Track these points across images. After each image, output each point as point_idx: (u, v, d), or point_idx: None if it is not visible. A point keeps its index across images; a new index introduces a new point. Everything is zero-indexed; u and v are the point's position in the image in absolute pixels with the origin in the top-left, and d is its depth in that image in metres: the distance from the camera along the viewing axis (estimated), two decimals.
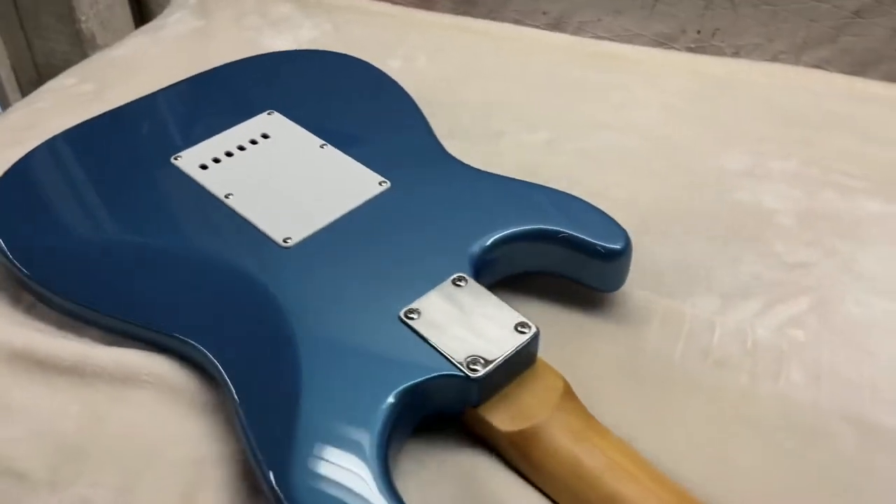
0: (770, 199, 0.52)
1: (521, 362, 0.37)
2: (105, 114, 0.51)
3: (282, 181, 0.46)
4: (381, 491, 0.31)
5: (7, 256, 0.42)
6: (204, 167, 0.47)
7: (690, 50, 0.68)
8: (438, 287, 0.39)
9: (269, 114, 0.50)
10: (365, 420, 0.33)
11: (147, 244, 0.43)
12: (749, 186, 0.53)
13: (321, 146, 0.48)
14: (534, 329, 0.37)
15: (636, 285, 0.45)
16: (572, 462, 0.35)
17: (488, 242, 0.41)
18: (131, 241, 0.43)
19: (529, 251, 0.43)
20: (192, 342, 0.38)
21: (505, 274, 0.43)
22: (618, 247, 0.42)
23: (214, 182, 0.46)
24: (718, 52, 0.67)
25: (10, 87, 0.90)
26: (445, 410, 0.37)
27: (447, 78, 0.64)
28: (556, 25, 0.70)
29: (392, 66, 0.61)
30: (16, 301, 0.45)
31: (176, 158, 0.47)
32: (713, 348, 0.42)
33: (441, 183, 0.46)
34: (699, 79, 0.64)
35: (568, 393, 0.37)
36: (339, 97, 0.54)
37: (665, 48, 0.68)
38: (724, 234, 0.49)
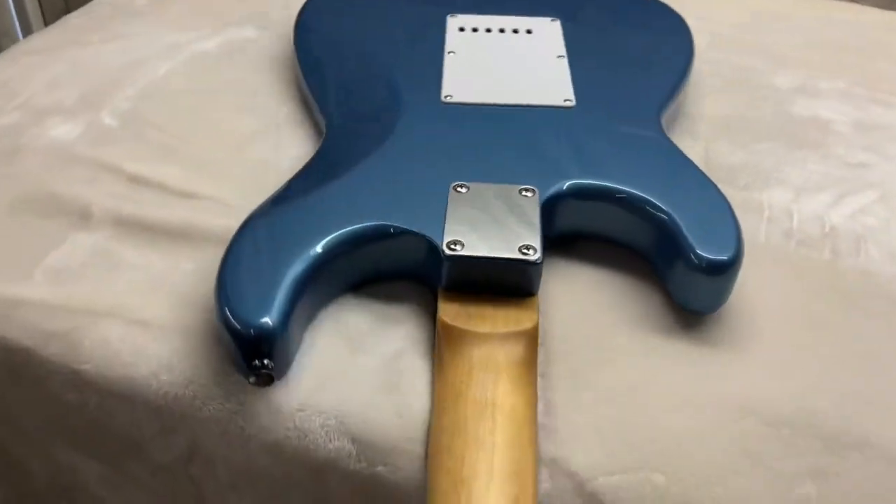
0: (825, 112, 0.55)
1: (507, 281, 0.36)
2: None
3: (498, 62, 0.50)
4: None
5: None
6: (462, 29, 0.53)
7: None
8: (506, 185, 0.40)
9: (552, 20, 0.54)
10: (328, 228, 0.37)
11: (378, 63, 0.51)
12: (803, 102, 0.56)
13: (558, 56, 0.50)
14: (532, 258, 0.36)
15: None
16: (459, 391, 0.33)
17: (566, 186, 0.40)
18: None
19: (619, 217, 0.40)
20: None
21: (581, 227, 0.42)
22: (723, 257, 0.36)
23: (453, 40, 0.52)
24: None
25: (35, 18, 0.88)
26: (420, 276, 0.39)
27: None
28: None
29: None
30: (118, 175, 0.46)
31: (452, 16, 0.55)
32: (794, 231, 0.45)
33: (613, 128, 0.44)
34: (744, 13, 0.67)
35: (526, 347, 0.35)
36: (624, 30, 0.55)
37: None
38: (788, 141, 0.52)
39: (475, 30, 0.53)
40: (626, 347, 0.38)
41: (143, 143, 0.50)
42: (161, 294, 0.40)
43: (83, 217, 0.44)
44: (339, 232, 0.37)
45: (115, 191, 0.46)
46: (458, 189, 0.40)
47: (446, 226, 0.37)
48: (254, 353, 0.33)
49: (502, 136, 0.44)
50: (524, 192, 0.40)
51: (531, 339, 0.36)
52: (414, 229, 0.38)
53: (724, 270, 0.37)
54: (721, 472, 0.34)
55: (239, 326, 0.33)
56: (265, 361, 0.33)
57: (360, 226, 0.38)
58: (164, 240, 0.43)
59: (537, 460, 0.33)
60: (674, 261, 0.38)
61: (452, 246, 0.36)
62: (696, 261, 0.36)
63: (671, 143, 0.44)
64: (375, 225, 0.38)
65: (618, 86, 0.48)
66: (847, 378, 0.37)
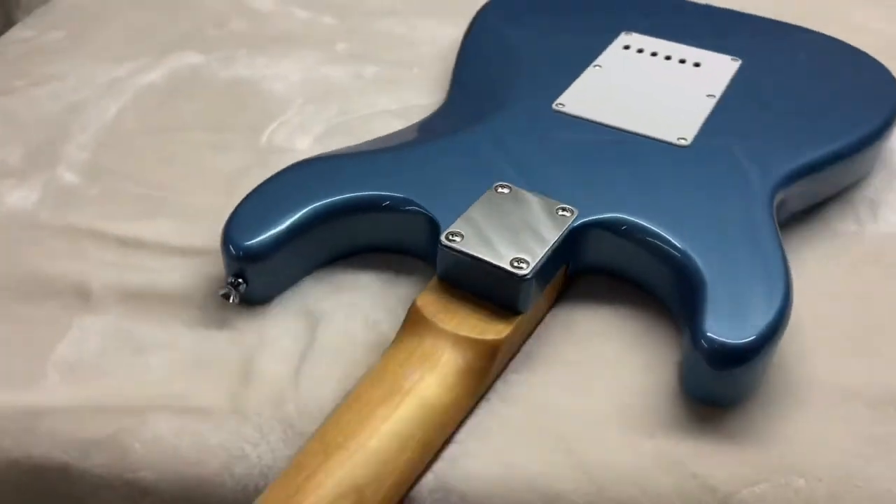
0: None
1: (492, 289, 0.36)
2: None
3: (639, 86, 0.48)
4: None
5: None
6: (626, 47, 0.52)
7: None
8: (548, 198, 0.39)
9: (732, 59, 0.50)
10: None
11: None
12: None
13: (708, 95, 0.47)
14: (520, 272, 0.35)
15: None
16: (385, 371, 0.34)
17: (604, 217, 0.38)
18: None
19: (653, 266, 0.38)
20: None
21: (613, 264, 0.40)
22: (735, 342, 0.32)
23: (609, 55, 0.51)
24: None
25: None
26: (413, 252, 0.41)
27: None
28: None
29: None
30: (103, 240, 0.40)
31: (626, 33, 0.54)
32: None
33: (705, 178, 0.41)
34: None
35: (478, 356, 0.34)
36: (811, 84, 0.49)
37: None
38: None
39: (640, 51, 0.52)
40: None
41: (119, 198, 0.44)
42: (203, 371, 0.35)
43: (81, 296, 0.38)
44: (354, 194, 0.39)
45: (107, 259, 0.40)
46: (500, 189, 0.39)
47: (459, 218, 0.37)
48: (233, 270, 0.37)
49: (587, 154, 0.42)
50: (561, 211, 0.38)
51: (488, 351, 0.34)
52: (427, 210, 0.38)
53: (731, 361, 0.32)
54: (854, 462, 0.33)
55: (227, 242, 0.37)
56: (238, 280, 0.37)
57: (376, 193, 0.39)
58: (183, 307, 0.38)
59: (422, 466, 0.32)
60: (686, 332, 0.34)
61: (451, 237, 0.36)
62: (701, 340, 0.32)
63: (764, 215, 0.38)
64: (392, 196, 0.39)
65: (754, 139, 0.43)
66: None
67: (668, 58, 0.51)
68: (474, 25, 0.56)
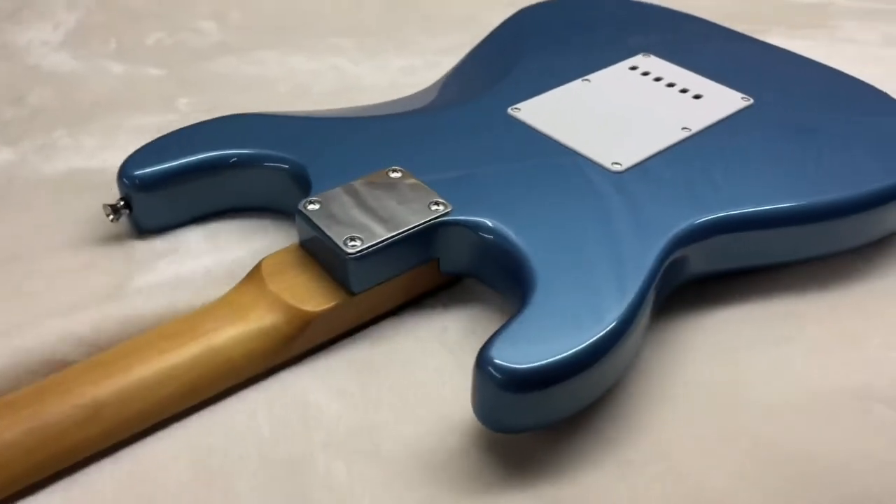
0: None
1: (330, 262, 0.36)
2: None
3: (612, 107, 0.46)
4: None
5: None
6: (633, 68, 0.49)
7: None
8: (430, 190, 0.38)
9: (742, 97, 0.46)
10: None
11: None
12: None
13: (683, 128, 0.43)
14: (347, 248, 0.34)
15: None
16: (203, 310, 0.35)
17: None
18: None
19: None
20: None
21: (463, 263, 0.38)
22: (514, 366, 0.29)
23: (607, 73, 0.49)
24: None
25: None
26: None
27: (281, 23, 0.62)
28: None
29: (208, 28, 0.58)
30: None
31: (644, 55, 0.50)
32: None
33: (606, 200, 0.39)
34: None
35: (287, 322, 0.34)
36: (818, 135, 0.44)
37: None
38: None
39: (645, 73, 0.49)
40: None
41: None
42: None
43: None
44: (244, 150, 0.41)
45: None
46: (392, 173, 0.39)
47: (328, 190, 0.37)
48: (121, 194, 0.40)
49: (503, 159, 0.41)
50: (434, 205, 0.37)
51: (299, 320, 0.35)
52: (309, 178, 0.39)
53: (507, 384, 0.29)
54: None
55: (120, 170, 0.40)
56: (121, 204, 0.40)
57: (263, 151, 0.41)
58: None
59: (183, 406, 0.33)
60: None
61: (309, 204, 0.36)
62: (478, 356, 0.30)
63: (644, 260, 0.34)
64: (277, 156, 0.40)
65: (692, 181, 0.39)
66: None
67: (670, 85, 0.47)
68: (504, 24, 0.55)
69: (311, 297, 0.35)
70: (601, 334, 0.31)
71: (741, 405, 0.34)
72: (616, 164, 0.40)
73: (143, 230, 0.41)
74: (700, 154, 0.41)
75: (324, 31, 0.60)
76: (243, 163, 0.41)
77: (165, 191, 0.40)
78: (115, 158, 0.42)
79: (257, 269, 0.36)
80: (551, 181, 0.39)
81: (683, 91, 0.47)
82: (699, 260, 0.37)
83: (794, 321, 0.38)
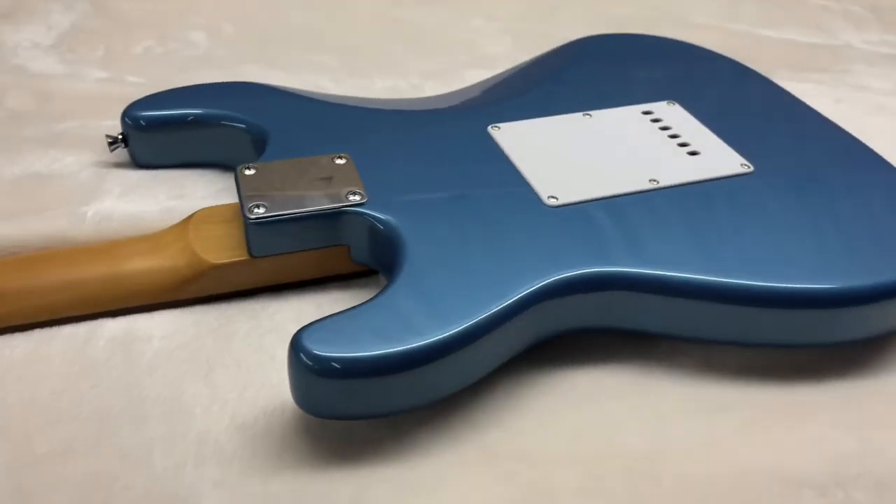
0: None
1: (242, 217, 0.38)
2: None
3: (588, 146, 0.44)
4: None
5: None
6: (647, 112, 0.47)
7: None
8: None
9: (742, 164, 0.43)
10: None
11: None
12: None
13: (651, 180, 0.41)
14: (247, 213, 0.37)
15: None
16: (116, 244, 0.39)
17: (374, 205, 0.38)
18: None
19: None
20: None
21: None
22: (323, 353, 0.31)
23: (616, 113, 0.47)
24: None
25: None
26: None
27: (267, 39, 0.61)
28: None
29: (198, 39, 0.58)
30: None
31: (670, 104, 0.48)
32: None
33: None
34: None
35: (187, 264, 0.38)
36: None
37: None
38: None
39: (656, 120, 0.46)
40: None
41: None
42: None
43: None
44: (226, 111, 0.45)
45: None
46: (336, 159, 0.41)
47: (271, 161, 0.41)
48: (121, 130, 0.45)
49: (449, 167, 0.41)
50: (351, 195, 0.38)
51: (196, 268, 0.38)
52: (268, 145, 0.42)
53: (307, 368, 0.30)
54: None
55: (124, 112, 0.45)
56: (119, 137, 0.45)
57: (236, 114, 0.45)
58: None
59: (71, 312, 0.37)
60: None
61: (245, 168, 0.40)
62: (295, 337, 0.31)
63: (516, 294, 0.34)
64: (245, 121, 0.44)
65: (624, 234, 0.38)
66: None
67: (674, 136, 0.45)
68: (555, 50, 0.55)
69: (216, 249, 0.38)
70: (405, 348, 0.31)
71: (661, 478, 0.32)
72: (552, 197, 0.39)
73: (137, 164, 0.46)
74: (648, 208, 0.39)
75: (312, 48, 0.61)
76: (211, 122, 0.45)
77: (156, 134, 0.45)
78: (73, 165, 0.45)
79: (191, 216, 0.40)
80: (476, 199, 0.39)
81: (683, 145, 0.45)
82: (609, 311, 0.36)
83: (734, 393, 0.36)
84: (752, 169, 0.43)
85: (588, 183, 0.41)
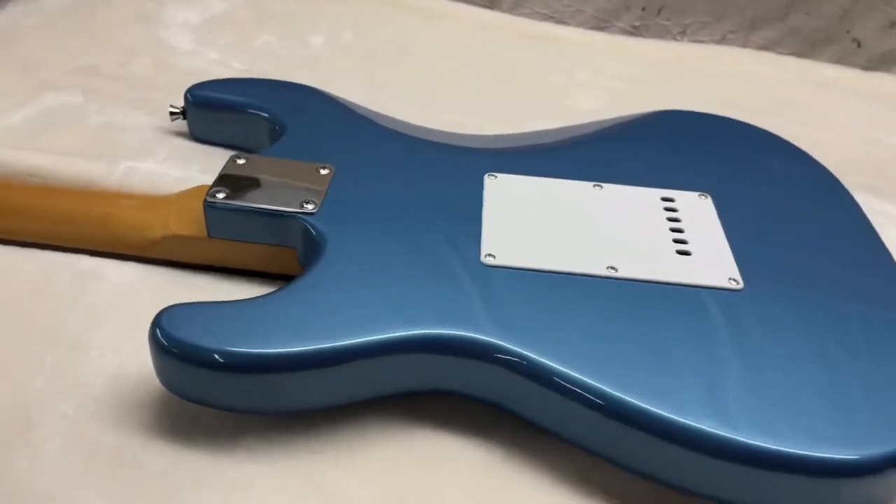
0: None
1: None
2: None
3: (544, 216, 0.42)
4: None
5: None
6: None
7: (634, 28, 0.65)
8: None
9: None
10: None
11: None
12: None
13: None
14: (208, 198, 0.40)
15: None
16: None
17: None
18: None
19: None
20: None
21: None
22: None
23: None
24: (664, 31, 0.65)
25: None
26: None
27: (375, 54, 0.62)
28: (492, 1, 0.69)
29: (314, 42, 0.60)
30: None
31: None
32: None
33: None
34: (646, 64, 0.62)
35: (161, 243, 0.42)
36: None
37: (605, 29, 0.67)
38: None
39: (670, 210, 0.42)
40: None
41: None
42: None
43: None
44: (266, 108, 0.49)
45: None
46: (321, 169, 0.43)
47: (265, 156, 0.44)
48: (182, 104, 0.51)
49: (419, 199, 0.42)
50: (306, 203, 0.40)
51: (161, 231, 0.42)
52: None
53: (157, 345, 0.33)
54: None
55: (187, 90, 0.51)
56: (179, 111, 0.51)
57: (276, 114, 0.48)
58: None
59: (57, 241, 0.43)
60: None
61: (238, 157, 0.43)
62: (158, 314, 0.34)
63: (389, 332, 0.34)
64: (278, 119, 0.48)
65: (530, 311, 0.36)
66: None
67: (677, 230, 0.41)
68: (633, 117, 0.52)
69: (186, 222, 0.42)
70: (242, 351, 0.32)
71: None
72: (490, 255, 0.38)
73: (193, 137, 0.52)
74: (582, 292, 0.36)
75: (412, 70, 0.61)
76: (244, 109, 0.49)
77: (205, 113, 0.50)
78: (143, 127, 0.53)
79: (191, 188, 0.44)
80: (419, 238, 0.39)
81: (680, 241, 0.40)
82: (488, 385, 0.35)
83: None
84: (740, 286, 0.38)
85: (539, 253, 0.38)
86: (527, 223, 0.41)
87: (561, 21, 0.67)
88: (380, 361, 0.34)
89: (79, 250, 0.43)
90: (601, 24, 0.67)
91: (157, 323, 0.33)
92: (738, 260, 0.39)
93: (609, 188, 0.44)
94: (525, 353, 0.33)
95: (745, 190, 0.45)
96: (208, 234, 0.41)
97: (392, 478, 0.33)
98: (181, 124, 0.52)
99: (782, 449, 0.30)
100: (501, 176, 0.44)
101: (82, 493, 0.32)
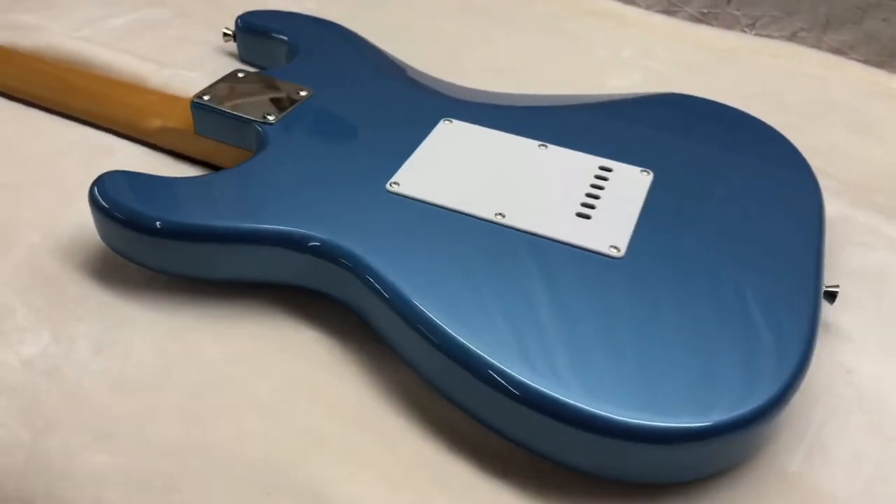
0: None
1: None
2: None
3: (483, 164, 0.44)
4: None
5: None
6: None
7: (703, 15, 0.63)
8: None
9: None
10: None
11: None
12: None
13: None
14: (195, 96, 0.47)
15: None
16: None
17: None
18: None
19: None
20: None
21: None
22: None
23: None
24: (733, 21, 0.63)
25: None
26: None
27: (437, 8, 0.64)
28: None
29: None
30: None
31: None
32: None
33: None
34: (697, 51, 0.61)
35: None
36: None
37: (675, 14, 0.65)
38: None
39: (601, 178, 0.43)
40: None
41: None
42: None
43: None
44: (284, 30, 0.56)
45: None
46: (301, 91, 0.49)
47: (270, 74, 0.51)
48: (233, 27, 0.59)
49: (371, 122, 0.46)
50: (269, 115, 0.46)
51: (160, 120, 0.50)
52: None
53: (92, 199, 0.39)
54: None
55: (238, 16, 0.58)
56: (231, 33, 0.58)
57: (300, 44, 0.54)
58: None
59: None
60: None
61: (242, 70, 0.50)
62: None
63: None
64: (302, 49, 0.54)
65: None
66: None
67: (591, 196, 0.42)
68: (639, 95, 0.52)
69: (179, 117, 0.49)
70: (149, 214, 0.39)
71: None
72: (395, 184, 0.41)
73: (241, 59, 0.59)
74: (459, 232, 0.39)
75: (446, 38, 0.63)
76: (271, 35, 0.56)
77: (246, 37, 0.57)
78: (207, 44, 0.61)
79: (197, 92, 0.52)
80: (346, 163, 0.43)
81: (587, 206, 0.41)
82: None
83: None
84: (619, 255, 0.38)
85: (441, 190, 0.41)
86: (450, 164, 0.43)
87: (631, 1, 0.66)
88: (258, 249, 0.39)
89: (108, 130, 0.52)
90: (671, 7, 0.65)
91: (96, 181, 0.40)
92: (638, 234, 0.39)
93: (553, 149, 0.45)
94: (373, 266, 0.36)
95: (700, 174, 0.43)
96: (195, 131, 0.48)
97: (244, 348, 0.38)
98: (235, 46, 0.60)
99: (573, 402, 0.31)
100: (457, 122, 0.47)
101: (13, 297, 0.40)
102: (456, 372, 0.34)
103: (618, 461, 0.33)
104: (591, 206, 0.41)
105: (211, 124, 0.47)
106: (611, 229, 0.39)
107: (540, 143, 0.45)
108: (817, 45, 0.60)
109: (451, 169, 0.43)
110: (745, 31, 0.62)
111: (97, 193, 0.40)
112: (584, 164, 0.44)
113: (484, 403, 0.34)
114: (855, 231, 0.46)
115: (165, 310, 0.40)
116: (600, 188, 0.42)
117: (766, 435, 0.35)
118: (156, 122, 0.50)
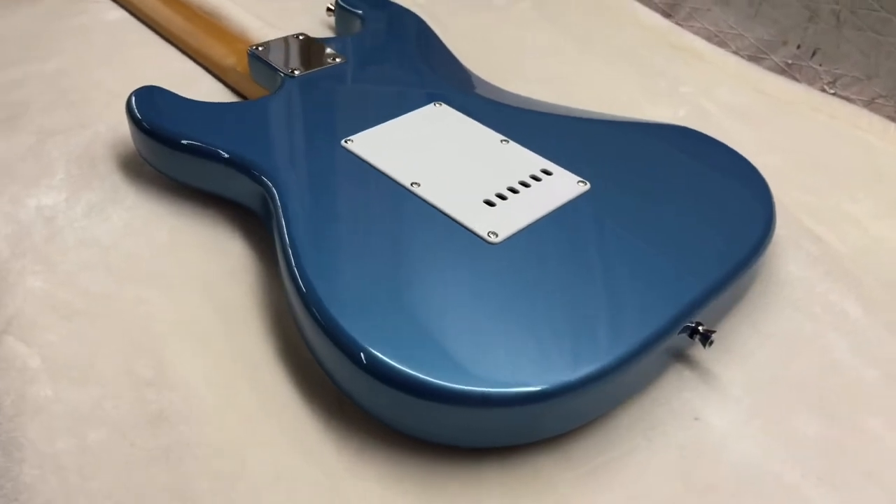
0: None
1: None
2: None
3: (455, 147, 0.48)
4: None
5: None
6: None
7: (787, 66, 0.60)
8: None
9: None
10: None
11: None
12: None
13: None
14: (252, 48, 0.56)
15: None
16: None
17: None
18: None
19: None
20: None
21: None
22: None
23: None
24: (814, 76, 0.60)
25: None
26: None
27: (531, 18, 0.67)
28: (672, 6, 0.68)
29: None
30: None
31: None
32: None
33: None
34: (756, 97, 0.60)
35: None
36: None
37: (761, 61, 0.62)
38: None
39: (547, 174, 0.46)
40: None
41: None
42: None
43: None
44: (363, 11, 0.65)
45: None
46: (337, 58, 0.56)
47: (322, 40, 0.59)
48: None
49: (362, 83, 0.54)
50: (295, 70, 0.54)
51: (231, 61, 0.60)
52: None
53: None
54: None
55: None
56: (330, 10, 0.69)
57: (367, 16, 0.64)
58: None
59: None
60: None
61: (304, 34, 0.60)
62: None
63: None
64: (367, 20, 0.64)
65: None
66: None
67: (525, 185, 0.44)
68: (655, 123, 0.52)
69: (245, 63, 0.58)
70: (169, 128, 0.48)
71: None
72: (350, 141, 0.47)
73: (336, 31, 0.68)
74: (372, 189, 0.44)
75: (524, 48, 0.66)
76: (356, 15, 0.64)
77: (340, 13, 0.66)
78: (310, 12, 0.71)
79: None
80: (325, 120, 0.49)
81: (500, 197, 0.44)
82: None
83: None
84: (496, 240, 0.40)
85: (383, 155, 0.46)
86: (409, 138, 0.48)
87: (723, 42, 0.64)
88: (219, 167, 0.46)
89: (203, 66, 0.64)
90: (758, 53, 0.62)
91: (134, 92, 0.50)
92: (532, 230, 0.41)
93: (512, 145, 0.48)
94: (284, 200, 0.42)
95: (643, 196, 0.44)
96: (250, 76, 0.58)
97: (182, 240, 0.47)
98: (333, 20, 0.68)
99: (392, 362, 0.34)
100: (444, 106, 0.51)
101: (64, 164, 0.52)
102: (299, 306, 0.38)
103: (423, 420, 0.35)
104: (504, 198, 0.43)
105: (259, 72, 0.56)
106: (503, 219, 0.42)
107: (503, 138, 0.48)
108: (893, 116, 0.54)
109: (407, 141, 0.47)
110: (825, 90, 0.58)
111: (133, 104, 0.49)
112: (529, 162, 0.46)
113: (322, 351, 0.37)
114: (805, 298, 0.43)
115: (152, 202, 0.49)
116: (527, 185, 0.44)
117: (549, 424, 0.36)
118: (230, 61, 0.60)
